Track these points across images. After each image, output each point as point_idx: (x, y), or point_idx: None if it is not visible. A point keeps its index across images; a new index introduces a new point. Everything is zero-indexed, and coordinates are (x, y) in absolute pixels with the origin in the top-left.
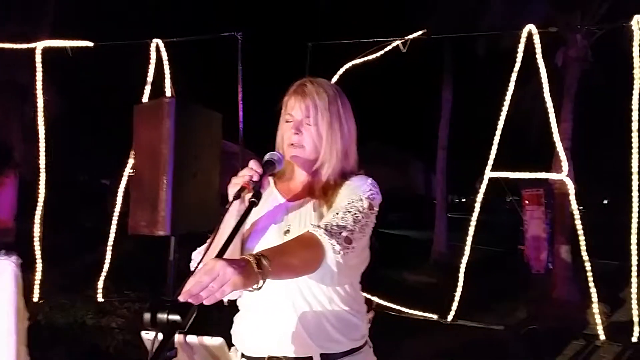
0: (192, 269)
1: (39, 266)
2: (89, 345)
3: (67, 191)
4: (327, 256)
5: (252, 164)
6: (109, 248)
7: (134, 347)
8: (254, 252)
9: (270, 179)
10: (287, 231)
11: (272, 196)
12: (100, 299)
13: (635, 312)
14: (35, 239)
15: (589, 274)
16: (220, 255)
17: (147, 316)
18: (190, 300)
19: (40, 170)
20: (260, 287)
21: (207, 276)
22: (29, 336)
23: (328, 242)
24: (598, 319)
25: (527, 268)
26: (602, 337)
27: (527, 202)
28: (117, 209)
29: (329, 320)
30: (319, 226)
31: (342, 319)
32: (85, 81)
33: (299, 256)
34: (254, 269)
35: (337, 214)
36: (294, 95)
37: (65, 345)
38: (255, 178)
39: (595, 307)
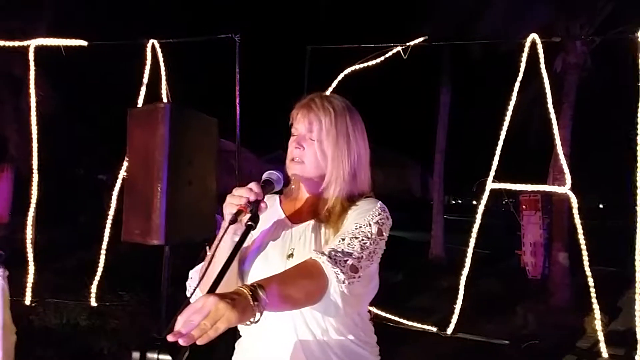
0: (188, 287)
1: (31, 268)
2: (82, 348)
3: (63, 186)
4: (331, 286)
5: (252, 185)
6: (103, 251)
7: (129, 350)
8: (253, 277)
9: (277, 197)
10: (291, 254)
11: (276, 215)
12: (93, 303)
13: (639, 330)
14: (27, 240)
15: (592, 289)
16: (215, 284)
17: (136, 356)
18: (180, 341)
19: (33, 170)
20: (257, 321)
21: (197, 315)
22: (21, 338)
23: (332, 270)
24: (601, 335)
25: (524, 273)
26: (605, 354)
27: (524, 207)
28: (112, 210)
29: (333, 350)
30: (322, 253)
31: (347, 349)
32: (82, 77)
33: (299, 287)
34: (249, 302)
35: (343, 239)
36: (300, 108)
37: (58, 347)
38: (252, 199)
39: (597, 323)
